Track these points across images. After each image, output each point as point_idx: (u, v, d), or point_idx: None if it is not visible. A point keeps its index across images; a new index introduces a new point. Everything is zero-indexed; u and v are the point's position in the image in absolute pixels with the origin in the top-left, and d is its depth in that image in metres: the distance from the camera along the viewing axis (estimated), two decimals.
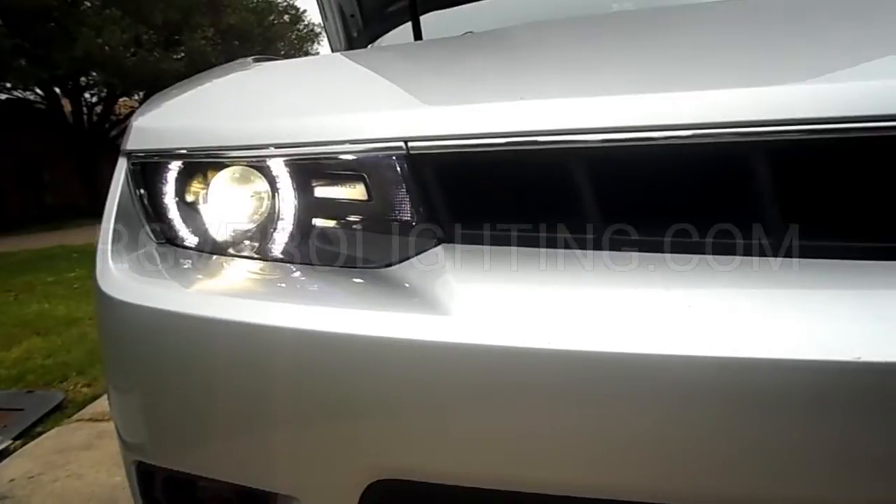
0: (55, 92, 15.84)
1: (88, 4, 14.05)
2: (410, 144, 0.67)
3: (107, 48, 13.01)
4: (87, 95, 16.79)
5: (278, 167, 0.75)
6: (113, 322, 0.79)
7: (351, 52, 1.87)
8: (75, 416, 2.32)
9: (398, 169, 0.68)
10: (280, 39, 19.21)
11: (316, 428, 0.66)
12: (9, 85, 14.80)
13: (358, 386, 0.63)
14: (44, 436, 2.15)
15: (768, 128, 0.56)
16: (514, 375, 0.58)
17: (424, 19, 1.87)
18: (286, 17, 19.66)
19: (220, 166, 0.80)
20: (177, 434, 0.76)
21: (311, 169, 0.74)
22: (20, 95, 15.73)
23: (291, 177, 0.75)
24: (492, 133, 0.64)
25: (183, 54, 15.57)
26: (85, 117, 16.85)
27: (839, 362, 0.49)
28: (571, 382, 0.56)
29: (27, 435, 2.17)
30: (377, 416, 0.63)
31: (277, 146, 0.74)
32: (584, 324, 0.57)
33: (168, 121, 0.90)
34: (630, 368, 0.54)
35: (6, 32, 12.67)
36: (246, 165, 0.79)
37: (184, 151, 0.81)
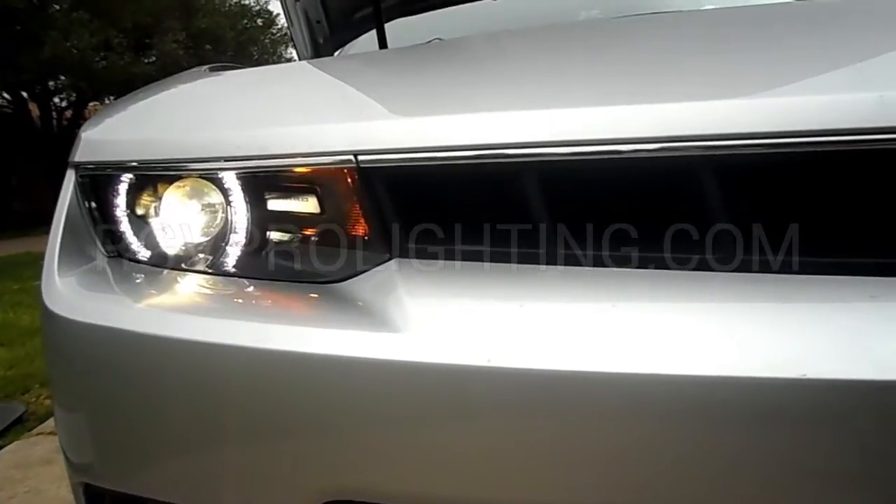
0: (22, 96, 15.51)
1: (56, 7, 13.76)
2: (360, 158, 0.65)
3: (75, 52, 12.76)
4: (56, 100, 16.46)
5: (231, 180, 0.74)
6: (59, 340, 0.77)
7: (309, 60, 1.85)
8: (36, 430, 2.25)
9: (349, 182, 0.67)
10: (253, 43, 19.02)
11: (267, 448, 0.65)
12: None
13: (309, 405, 0.62)
14: (3, 450, 2.09)
15: (727, 142, 0.56)
16: (466, 394, 0.57)
17: (393, 25, 1.86)
18: (259, 21, 19.48)
19: (172, 179, 0.79)
20: (125, 455, 0.74)
21: (263, 182, 0.73)
22: None
23: (244, 190, 0.74)
24: (441, 146, 0.63)
25: (154, 58, 15.35)
26: (54, 122, 16.52)
27: (785, 379, 0.49)
28: (523, 401, 0.55)
29: None
30: (329, 436, 0.62)
31: (228, 159, 0.73)
32: (535, 342, 0.56)
33: (118, 132, 0.88)
34: (579, 387, 0.53)
35: None
36: (198, 178, 0.77)
37: (134, 164, 0.79)
